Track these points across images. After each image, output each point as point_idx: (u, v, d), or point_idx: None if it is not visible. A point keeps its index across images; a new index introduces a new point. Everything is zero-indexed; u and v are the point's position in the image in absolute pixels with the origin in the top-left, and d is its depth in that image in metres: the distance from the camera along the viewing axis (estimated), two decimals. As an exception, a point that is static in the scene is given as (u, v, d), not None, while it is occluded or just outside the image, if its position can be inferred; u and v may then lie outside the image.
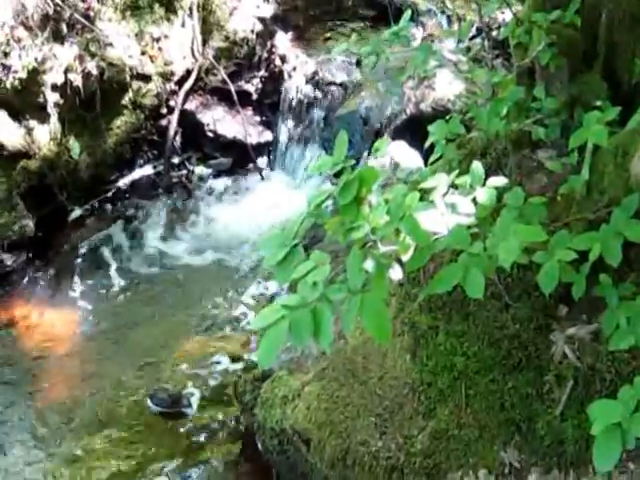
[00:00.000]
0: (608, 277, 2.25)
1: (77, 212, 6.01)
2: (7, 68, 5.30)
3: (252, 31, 6.66)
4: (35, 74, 5.43)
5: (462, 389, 2.72)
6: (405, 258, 1.98)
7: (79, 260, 5.59)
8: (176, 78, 6.39)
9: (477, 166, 2.26)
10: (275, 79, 6.64)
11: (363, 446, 2.83)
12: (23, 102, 5.49)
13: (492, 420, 2.66)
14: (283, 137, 6.53)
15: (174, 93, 6.41)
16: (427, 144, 2.84)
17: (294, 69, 6.56)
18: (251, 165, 6.45)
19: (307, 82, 6.42)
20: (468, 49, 5.25)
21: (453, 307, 2.83)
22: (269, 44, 6.77)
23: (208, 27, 6.54)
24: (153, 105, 6.31)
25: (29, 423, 4.19)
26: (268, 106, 6.68)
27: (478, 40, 5.52)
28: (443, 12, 6.87)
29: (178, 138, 6.51)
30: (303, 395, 3.11)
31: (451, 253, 2.22)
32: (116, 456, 3.88)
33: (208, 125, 6.47)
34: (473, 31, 5.63)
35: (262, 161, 6.51)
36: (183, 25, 6.39)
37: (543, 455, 2.55)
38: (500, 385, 2.68)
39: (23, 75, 5.36)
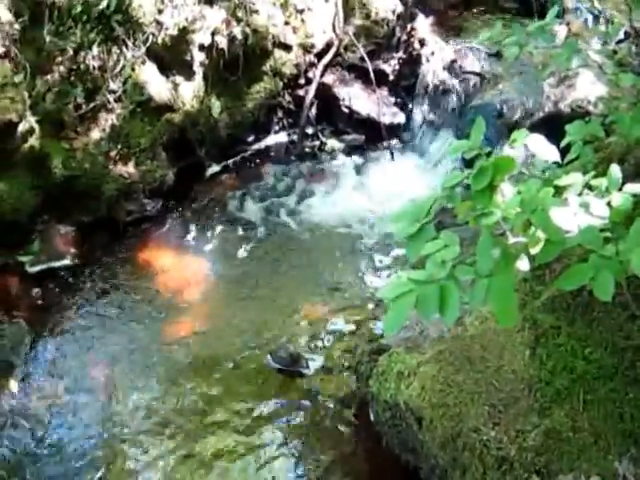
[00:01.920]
0: None
1: (214, 168, 6.20)
2: (160, 24, 5.53)
3: (393, 12, 6.69)
4: (184, 33, 5.64)
5: (580, 393, 2.70)
6: (533, 252, 1.97)
7: (212, 214, 5.76)
8: (316, 51, 6.50)
9: (615, 170, 2.17)
10: (412, 62, 6.63)
11: (475, 433, 2.83)
12: (172, 58, 5.70)
13: (609, 429, 2.60)
14: (416, 120, 6.51)
15: (313, 65, 6.53)
16: (563, 143, 2.74)
17: (432, 54, 6.52)
18: (382, 144, 6.47)
19: (444, 68, 6.37)
20: (614, 52, 5.13)
21: (577, 310, 2.82)
22: (409, 27, 6.77)
23: (350, 4, 6.61)
24: (292, 74, 6.46)
25: (153, 359, 4.37)
26: (403, 88, 6.68)
27: (625, 44, 5.39)
28: (590, 12, 6.69)
29: (313, 109, 6.62)
30: (419, 374, 3.14)
31: (578, 257, 2.20)
32: (228, 404, 3.99)
33: (343, 100, 6.54)
34: (620, 35, 5.49)
35: (393, 142, 6.50)
36: (326, 0, 6.50)
37: (660, 473, 2.48)
38: (620, 395, 2.63)
39: (174, 32, 5.58)
